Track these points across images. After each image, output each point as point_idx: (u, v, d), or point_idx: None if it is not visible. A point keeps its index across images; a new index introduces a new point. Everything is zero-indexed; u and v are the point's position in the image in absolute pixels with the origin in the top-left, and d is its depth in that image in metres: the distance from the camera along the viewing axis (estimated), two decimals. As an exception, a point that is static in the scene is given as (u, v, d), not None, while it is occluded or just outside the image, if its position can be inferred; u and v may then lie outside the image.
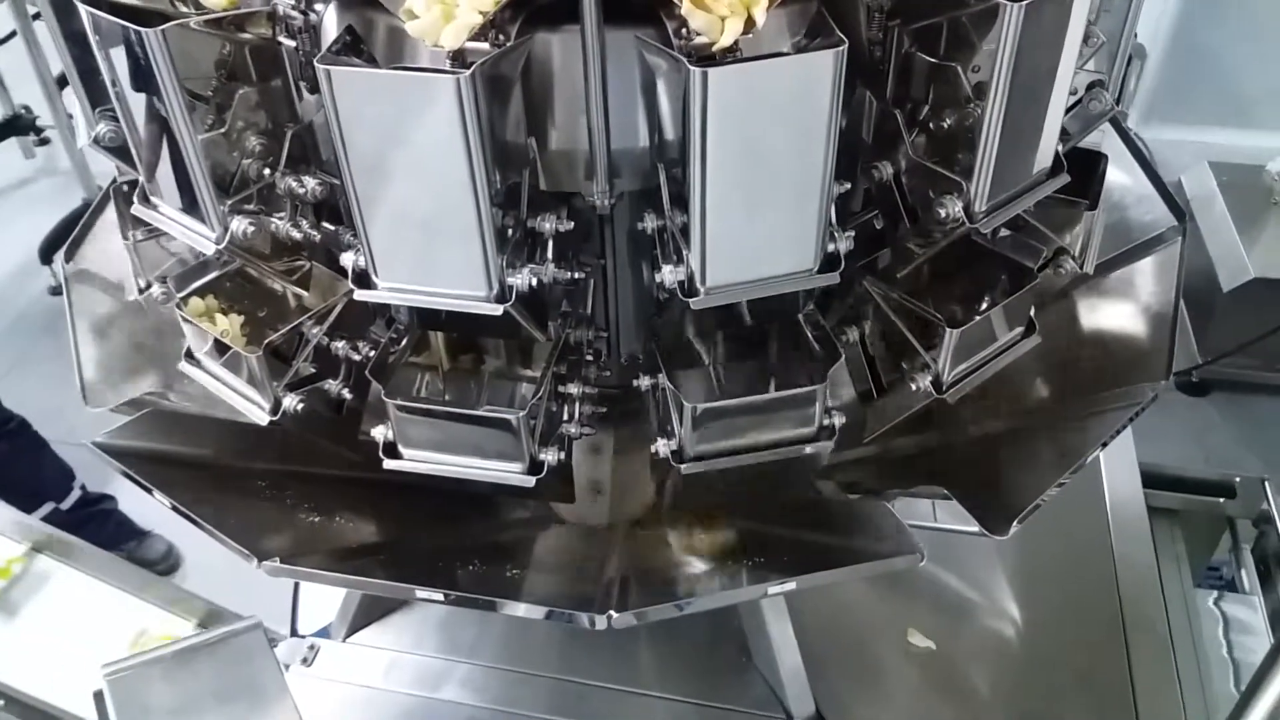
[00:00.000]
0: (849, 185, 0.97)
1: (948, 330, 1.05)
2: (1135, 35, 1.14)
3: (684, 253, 0.90)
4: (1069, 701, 1.54)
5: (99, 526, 3.35)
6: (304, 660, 1.62)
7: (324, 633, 1.67)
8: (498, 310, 0.90)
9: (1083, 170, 1.10)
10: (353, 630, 1.67)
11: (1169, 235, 1.38)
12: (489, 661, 1.62)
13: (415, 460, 1.04)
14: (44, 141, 5.27)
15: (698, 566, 1.22)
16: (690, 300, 0.90)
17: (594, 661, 1.60)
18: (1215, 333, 3.61)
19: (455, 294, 0.91)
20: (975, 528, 1.10)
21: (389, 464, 1.04)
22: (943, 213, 0.97)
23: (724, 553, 1.24)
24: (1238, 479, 2.11)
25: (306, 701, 1.58)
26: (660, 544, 1.44)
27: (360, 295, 0.93)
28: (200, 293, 1.16)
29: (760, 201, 0.87)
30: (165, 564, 3.42)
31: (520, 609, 1.03)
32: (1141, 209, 1.46)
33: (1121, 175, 1.49)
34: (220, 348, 1.14)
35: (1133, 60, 1.20)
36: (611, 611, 0.99)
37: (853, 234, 0.93)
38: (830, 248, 0.91)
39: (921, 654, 1.60)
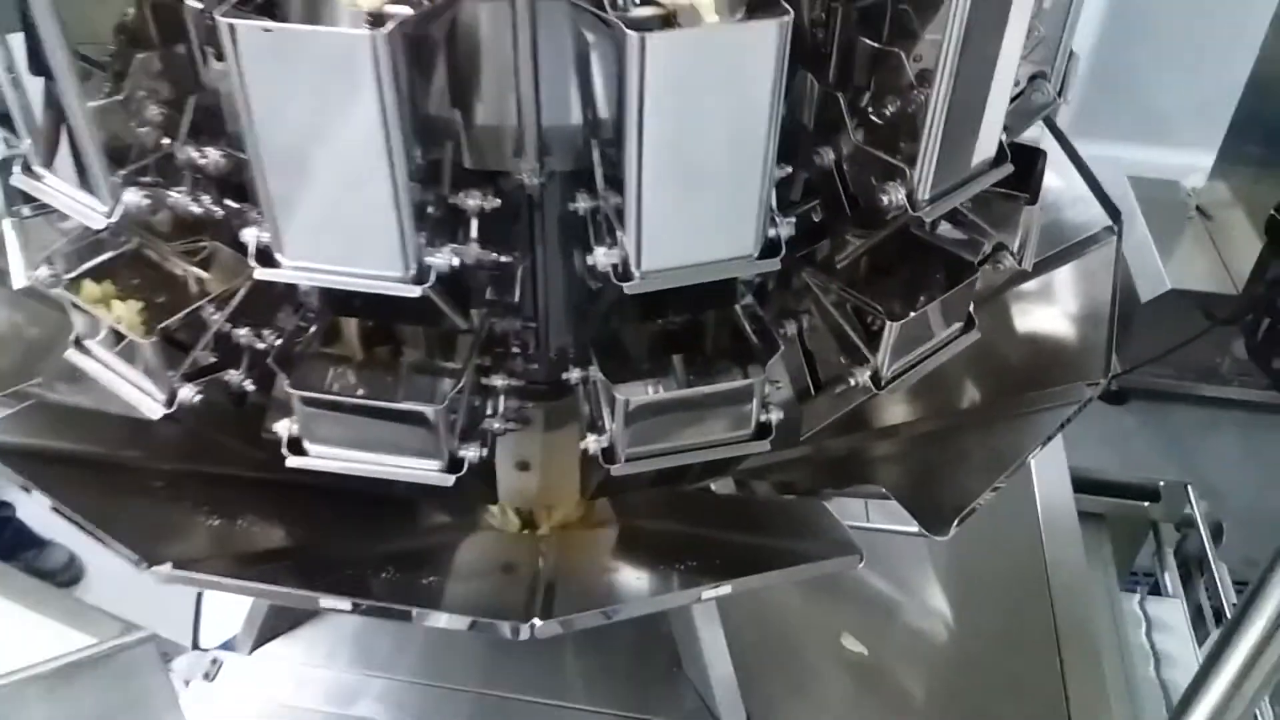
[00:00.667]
0: (790, 169, 0.93)
1: (888, 323, 1.01)
2: (1074, 30, 1.12)
3: (619, 235, 0.85)
4: (1002, 706, 1.52)
5: (-8, 536, 3.16)
6: (206, 675, 1.51)
7: (229, 645, 1.57)
8: (415, 292, 0.83)
9: (1022, 165, 1.08)
10: (260, 642, 1.57)
11: (1104, 235, 1.38)
12: (407, 675, 1.54)
13: (322, 458, 0.96)
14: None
15: (627, 571, 1.16)
16: (625, 285, 0.84)
17: (518, 674, 1.53)
18: (1134, 343, 3.70)
19: (369, 274, 0.84)
20: (910, 528, 1.06)
21: (293, 461, 0.96)
22: (885, 200, 0.93)
23: (655, 556, 1.18)
24: (1161, 484, 2.14)
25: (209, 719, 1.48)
26: (588, 548, 1.38)
27: (263, 274, 0.85)
28: (91, 275, 1.07)
29: (699, 181, 0.82)
30: (67, 574, 3.23)
31: (437, 619, 0.96)
32: (1076, 210, 1.46)
33: (1055, 177, 1.48)
34: (113, 335, 1.05)
35: (1074, 56, 1.18)
36: (535, 620, 0.92)
37: (793, 220, 0.89)
38: (771, 233, 0.87)
39: (855, 659, 1.57)
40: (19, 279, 1.15)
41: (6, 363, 1.27)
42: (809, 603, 1.60)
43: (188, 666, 1.55)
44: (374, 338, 1.05)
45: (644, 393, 0.94)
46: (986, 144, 0.99)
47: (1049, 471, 1.87)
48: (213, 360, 1.07)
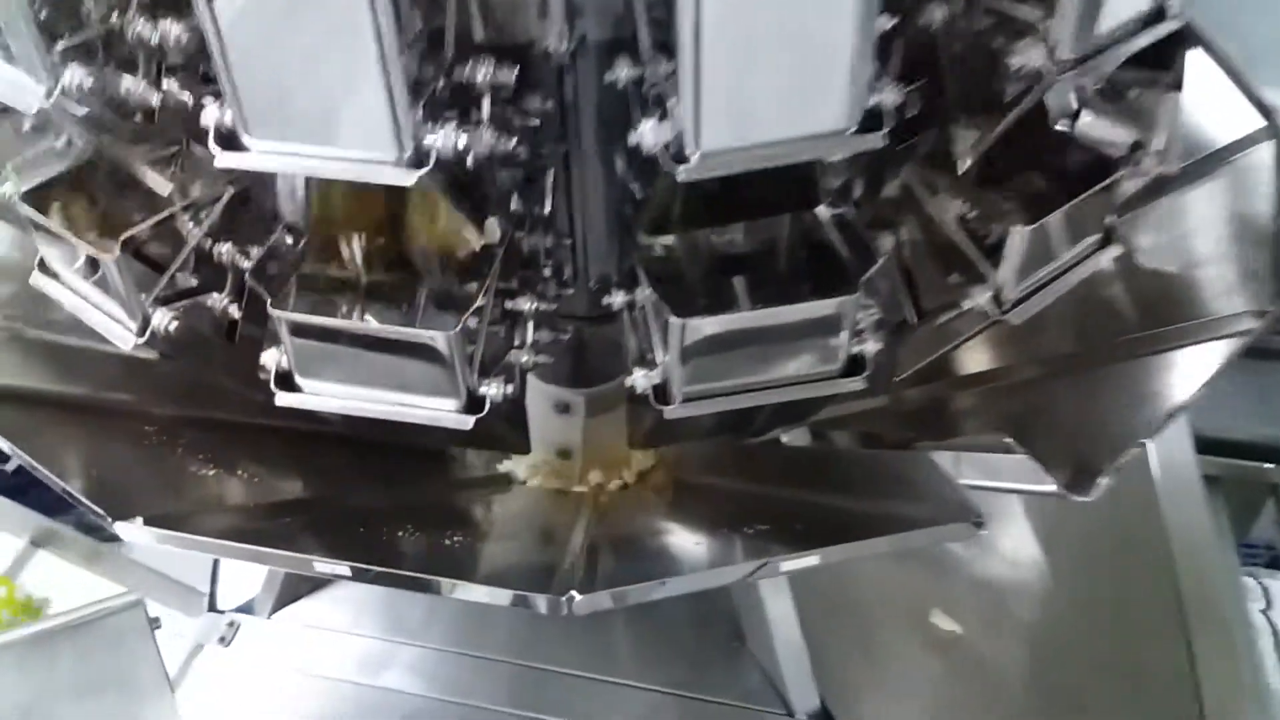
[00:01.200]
0: (895, 21, 0.72)
1: (1015, 230, 0.80)
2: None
3: (670, 108, 0.65)
4: (1120, 697, 1.31)
5: (43, 490, 3.10)
6: (222, 639, 1.39)
7: (247, 608, 1.44)
8: (409, 179, 0.65)
9: (1159, 49, 0.86)
10: (280, 604, 1.43)
11: (1260, 136, 1.13)
12: (439, 644, 1.39)
13: (317, 395, 0.79)
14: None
15: (683, 535, 0.98)
16: (680, 171, 0.65)
17: (560, 645, 1.38)
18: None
19: (353, 157, 0.66)
20: (1017, 486, 0.87)
21: (283, 399, 0.80)
22: (1016, 63, 0.72)
23: (716, 518, 1.00)
24: (1289, 440, 1.89)
25: (223, 688, 1.35)
26: (636, 508, 1.20)
27: (225, 160, 0.67)
28: (52, 187, 0.91)
29: (776, 32, 0.62)
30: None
31: (458, 588, 0.79)
32: (1221, 110, 1.21)
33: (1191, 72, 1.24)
34: (83, 257, 0.89)
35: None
36: (573, 592, 0.75)
37: (900, 88, 0.68)
38: (871, 100, 0.66)
39: (946, 638, 1.38)
40: (-14, 194, 1.00)
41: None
42: (892, 572, 1.40)
43: (204, 629, 1.42)
44: (378, 254, 0.87)
45: (705, 316, 0.75)
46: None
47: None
48: (193, 283, 0.90)
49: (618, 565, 0.85)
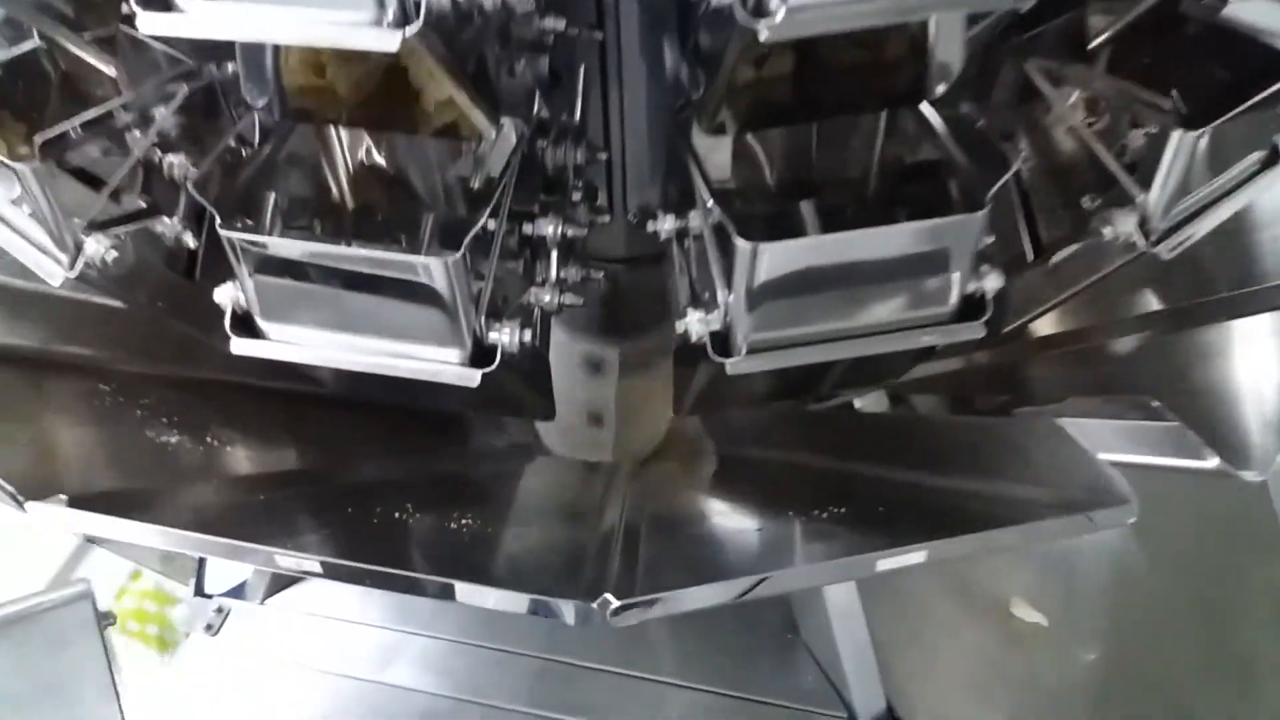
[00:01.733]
0: None
1: (1177, 136, 0.62)
2: None
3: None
4: (1223, 694, 1.14)
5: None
6: (209, 627, 1.23)
7: (238, 592, 1.28)
8: (393, 43, 0.47)
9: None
10: (276, 589, 1.28)
11: None
12: (453, 634, 1.23)
13: (284, 342, 0.62)
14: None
15: (742, 520, 0.81)
16: (761, 27, 0.46)
17: (589, 637, 1.21)
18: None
19: (328, 17, 0.48)
20: (1156, 460, 0.69)
21: (241, 346, 0.63)
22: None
23: (780, 499, 0.83)
24: None
25: (209, 681, 1.20)
26: (680, 483, 1.03)
27: (154, 24, 0.50)
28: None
29: None
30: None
31: (462, 591, 0.62)
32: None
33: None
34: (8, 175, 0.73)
35: None
36: (608, 596, 0.58)
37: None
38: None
39: (1028, 631, 1.21)
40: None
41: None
42: (968, 560, 1.22)
43: (187, 616, 1.27)
44: (361, 173, 0.70)
45: (783, 240, 0.57)
46: None
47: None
48: (140, 205, 0.74)
49: (662, 561, 0.67)
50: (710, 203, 0.59)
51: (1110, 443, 0.69)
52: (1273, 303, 0.88)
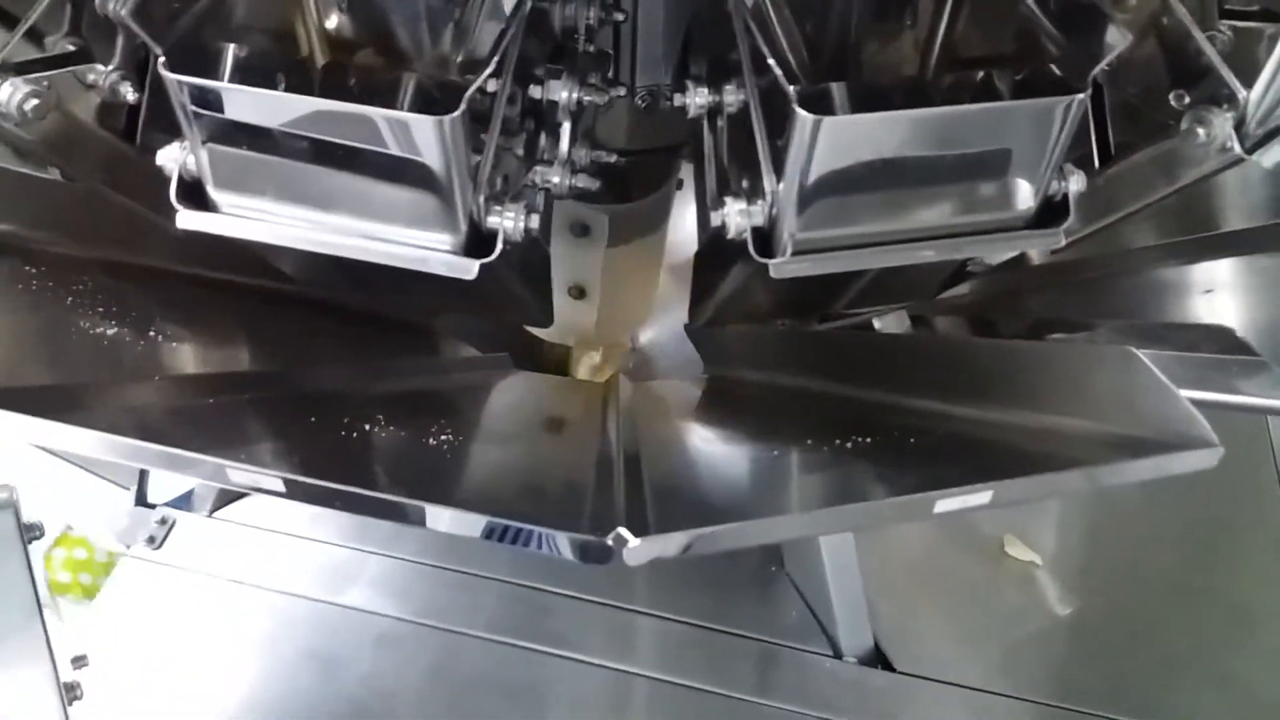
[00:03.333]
0: None
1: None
2: None
3: None
4: (1225, 636, 1.11)
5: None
6: (151, 539, 1.14)
7: (184, 502, 1.19)
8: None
9: None
10: (225, 501, 1.18)
11: None
12: (413, 555, 1.15)
13: (240, 214, 0.52)
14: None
15: (756, 447, 0.73)
16: None
17: (555, 562, 1.14)
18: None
19: None
20: (1232, 398, 0.63)
21: (187, 219, 0.52)
22: None
23: (792, 424, 0.75)
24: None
25: (151, 599, 1.11)
26: (676, 402, 0.95)
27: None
28: None
29: None
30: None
31: (447, 519, 0.53)
32: None
33: None
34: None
35: None
36: (622, 530, 0.50)
37: None
38: None
39: (1021, 570, 1.16)
40: None
41: None
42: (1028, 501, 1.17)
43: (127, 527, 1.17)
44: (339, 24, 0.58)
45: (850, 114, 0.47)
46: None
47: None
48: (71, 48, 0.62)
49: (674, 493, 0.59)
50: (768, 68, 0.49)
51: (1176, 376, 0.62)
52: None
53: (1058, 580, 1.17)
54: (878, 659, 1.09)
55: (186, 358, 0.77)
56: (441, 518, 0.53)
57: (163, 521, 1.16)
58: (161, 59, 0.47)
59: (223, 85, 0.48)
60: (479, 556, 1.16)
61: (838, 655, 1.08)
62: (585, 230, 0.99)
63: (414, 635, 1.10)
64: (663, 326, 1.25)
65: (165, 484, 1.20)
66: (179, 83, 0.48)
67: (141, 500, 1.19)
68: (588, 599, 1.16)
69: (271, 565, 1.14)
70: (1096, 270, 0.87)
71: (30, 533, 0.72)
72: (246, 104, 0.49)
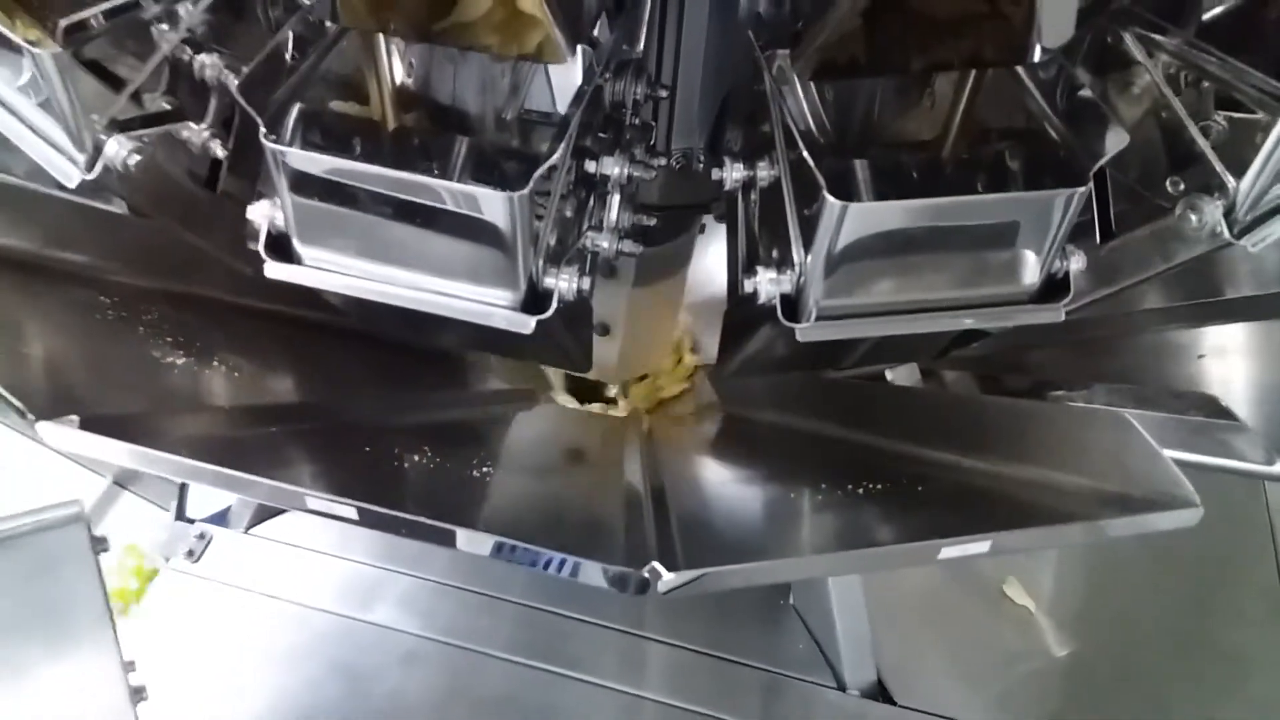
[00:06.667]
0: None
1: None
2: None
3: None
4: (1212, 681, 1.15)
5: None
6: (190, 553, 1.20)
7: (221, 518, 1.24)
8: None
9: None
10: (260, 518, 1.24)
11: None
12: (438, 576, 1.21)
13: (322, 270, 0.58)
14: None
15: (775, 489, 0.78)
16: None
17: (570, 586, 1.19)
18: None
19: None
20: (1206, 459, 0.68)
21: (275, 270, 0.58)
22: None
23: (807, 467, 0.80)
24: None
25: (186, 609, 1.17)
26: (700, 445, 1.01)
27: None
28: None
29: None
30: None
31: (487, 544, 0.59)
32: None
33: None
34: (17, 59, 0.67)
35: None
36: (655, 564, 0.55)
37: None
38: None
39: (1018, 614, 1.21)
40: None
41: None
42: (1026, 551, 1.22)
43: (169, 541, 1.23)
44: (418, 90, 0.65)
45: (875, 201, 0.53)
46: None
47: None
48: (167, 107, 0.68)
49: (698, 530, 0.64)
50: (798, 152, 0.55)
51: (1164, 438, 0.67)
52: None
53: (1055, 623, 1.21)
54: (880, 692, 1.13)
55: (246, 386, 0.83)
56: (485, 545, 0.59)
57: (201, 536, 1.22)
58: (263, 130, 0.53)
59: (316, 156, 0.54)
60: (498, 579, 1.21)
61: (841, 687, 1.13)
62: (612, 271, 1.05)
63: (437, 653, 1.15)
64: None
65: (203, 500, 1.26)
66: (277, 152, 0.54)
67: (181, 515, 1.25)
68: (601, 624, 1.21)
69: (303, 581, 1.19)
70: (1099, 330, 0.93)
71: (98, 545, 0.78)
72: (334, 171, 0.55)
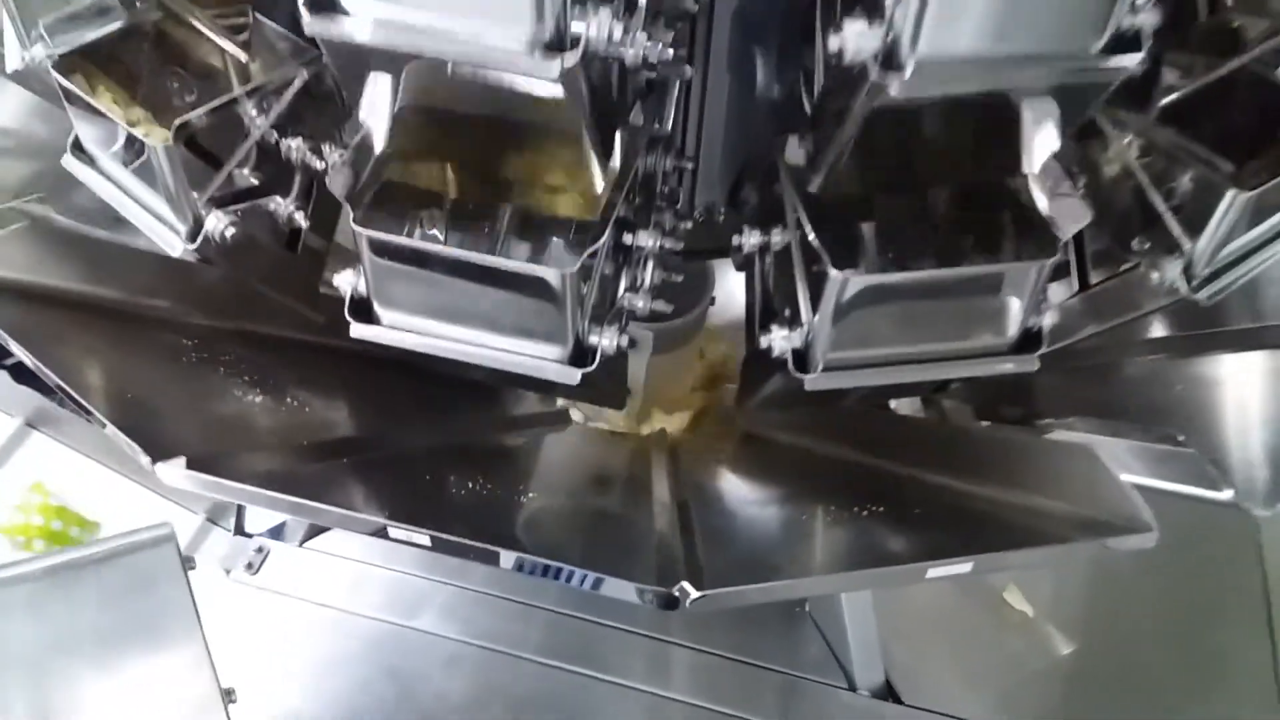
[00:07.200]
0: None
1: (1232, 195, 0.68)
2: None
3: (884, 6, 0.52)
4: (1200, 683, 1.23)
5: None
6: (249, 566, 1.29)
7: (277, 532, 1.34)
8: (552, 72, 0.52)
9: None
10: (314, 532, 1.34)
11: None
12: (479, 585, 1.30)
13: (397, 329, 0.68)
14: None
15: (790, 509, 0.87)
16: (890, 83, 0.51)
17: (603, 597, 1.28)
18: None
19: (480, 38, 0.53)
20: (1169, 485, 0.77)
21: (359, 331, 0.68)
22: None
23: (818, 488, 0.89)
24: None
25: (246, 618, 1.27)
26: (714, 460, 1.10)
27: (314, 25, 0.54)
28: (94, 52, 0.77)
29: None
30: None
31: (562, 573, 0.68)
32: None
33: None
34: (125, 139, 0.77)
35: None
36: (685, 584, 0.64)
37: (1157, 7, 0.55)
38: (1127, 21, 0.53)
39: (1018, 619, 1.29)
40: (12, 59, 0.86)
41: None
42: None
43: (229, 554, 1.33)
44: (478, 160, 0.74)
45: (873, 273, 0.62)
46: None
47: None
48: (254, 183, 0.78)
49: (721, 550, 0.74)
50: (804, 229, 0.64)
51: (1129, 464, 0.76)
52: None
53: (1055, 627, 1.29)
54: (888, 693, 1.22)
55: (316, 421, 0.93)
56: (536, 568, 0.68)
57: (259, 550, 1.31)
58: (354, 216, 0.63)
59: (397, 239, 0.63)
60: (532, 589, 1.31)
61: (852, 688, 1.21)
62: (633, 343, 1.15)
63: (477, 656, 1.24)
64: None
65: (261, 517, 1.36)
66: (366, 236, 0.63)
67: (240, 530, 1.35)
68: (629, 630, 1.30)
69: (354, 591, 1.29)
70: (1088, 360, 1.01)
71: (187, 564, 0.88)
72: (411, 250, 0.64)
